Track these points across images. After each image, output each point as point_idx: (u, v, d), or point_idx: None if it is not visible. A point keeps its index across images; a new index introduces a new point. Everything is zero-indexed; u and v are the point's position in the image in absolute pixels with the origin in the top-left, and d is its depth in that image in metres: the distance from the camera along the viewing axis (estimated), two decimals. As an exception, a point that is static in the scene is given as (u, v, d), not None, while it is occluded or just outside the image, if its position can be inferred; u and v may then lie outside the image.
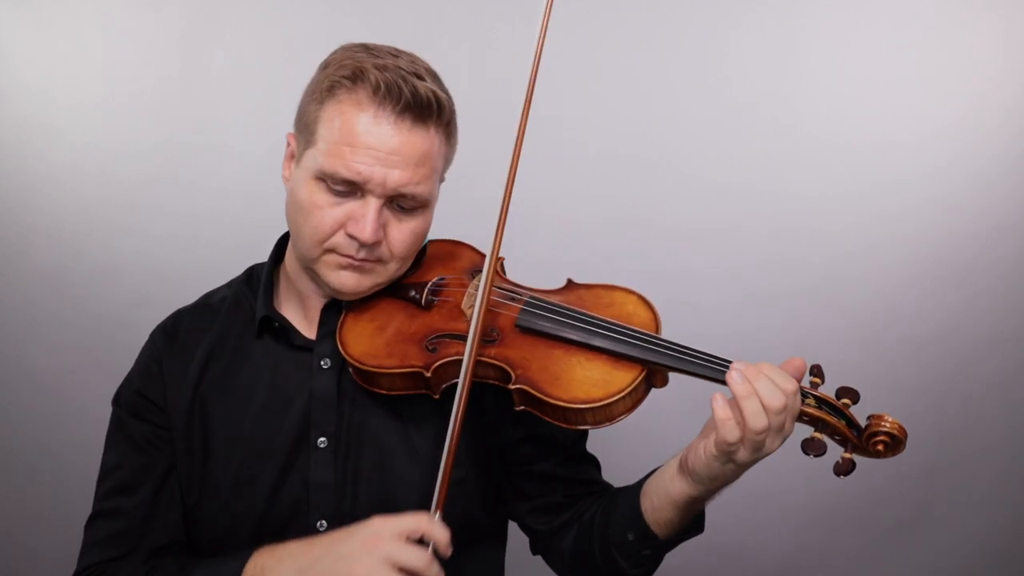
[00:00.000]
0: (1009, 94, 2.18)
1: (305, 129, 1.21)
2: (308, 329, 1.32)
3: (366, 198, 1.17)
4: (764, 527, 2.26)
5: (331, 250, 1.21)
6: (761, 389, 1.04)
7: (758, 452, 1.06)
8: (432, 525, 1.06)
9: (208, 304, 1.38)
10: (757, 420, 1.03)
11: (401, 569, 1.03)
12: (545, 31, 1.18)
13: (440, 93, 1.19)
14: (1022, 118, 2.19)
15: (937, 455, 2.26)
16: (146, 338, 1.38)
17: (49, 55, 2.08)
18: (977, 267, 2.21)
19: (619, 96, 2.18)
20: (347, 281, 1.22)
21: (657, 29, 2.17)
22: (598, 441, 1.40)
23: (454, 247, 1.37)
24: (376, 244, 1.19)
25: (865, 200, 2.19)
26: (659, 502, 1.17)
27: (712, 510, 2.34)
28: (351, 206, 1.18)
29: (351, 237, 1.18)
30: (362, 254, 1.20)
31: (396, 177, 1.16)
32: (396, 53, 1.23)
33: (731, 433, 1.04)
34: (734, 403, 1.06)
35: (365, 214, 1.17)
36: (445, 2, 2.13)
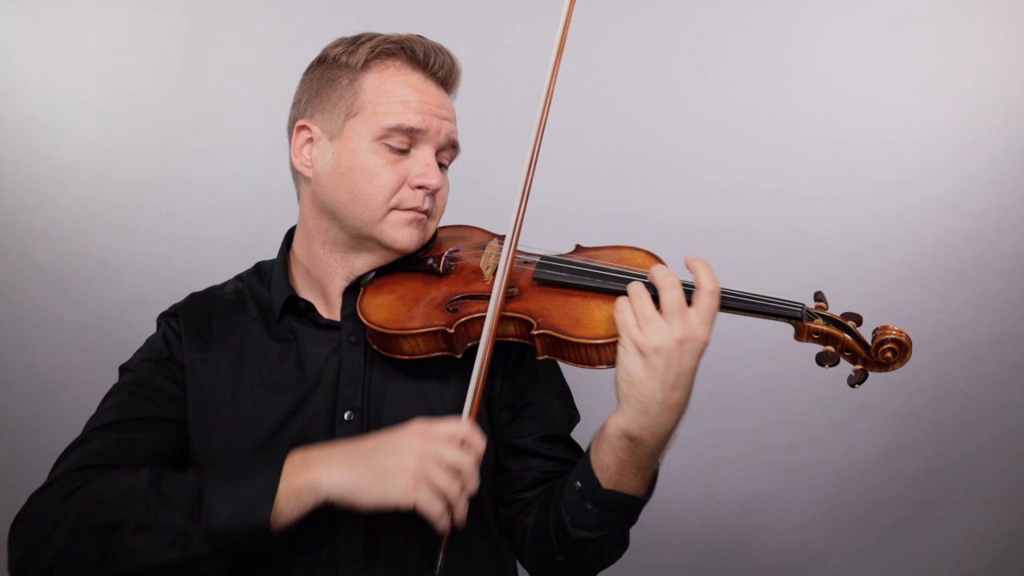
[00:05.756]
0: (1009, 94, 2.18)
1: (337, 106, 1.28)
2: (328, 312, 1.34)
3: (421, 149, 1.28)
4: (764, 527, 2.26)
5: (395, 208, 1.27)
6: (653, 269, 1.14)
7: (657, 333, 1.08)
8: (472, 431, 1.10)
9: (221, 292, 1.40)
10: (634, 286, 1.12)
11: (448, 467, 1.06)
12: (563, 45, 1.25)
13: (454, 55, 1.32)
14: (1022, 118, 2.19)
15: (937, 455, 2.26)
16: (145, 338, 1.38)
17: (49, 55, 2.08)
18: (977, 267, 2.21)
19: (619, 96, 2.18)
20: (413, 236, 1.29)
21: (657, 29, 2.17)
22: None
23: (462, 229, 1.44)
24: (437, 190, 1.29)
25: (865, 200, 2.19)
26: (598, 443, 1.17)
27: (713, 510, 2.34)
28: (406, 163, 1.27)
29: (418, 187, 1.27)
30: (427, 204, 1.29)
31: (448, 127, 1.29)
32: (392, 34, 1.33)
33: (620, 303, 1.11)
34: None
35: (427, 162, 1.28)
36: (445, 2, 2.13)
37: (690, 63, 2.19)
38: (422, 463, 1.06)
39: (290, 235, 1.41)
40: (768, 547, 2.28)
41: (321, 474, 1.07)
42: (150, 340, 1.36)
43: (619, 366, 1.11)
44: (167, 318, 1.37)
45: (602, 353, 1.15)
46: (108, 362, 1.89)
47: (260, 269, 1.42)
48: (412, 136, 1.26)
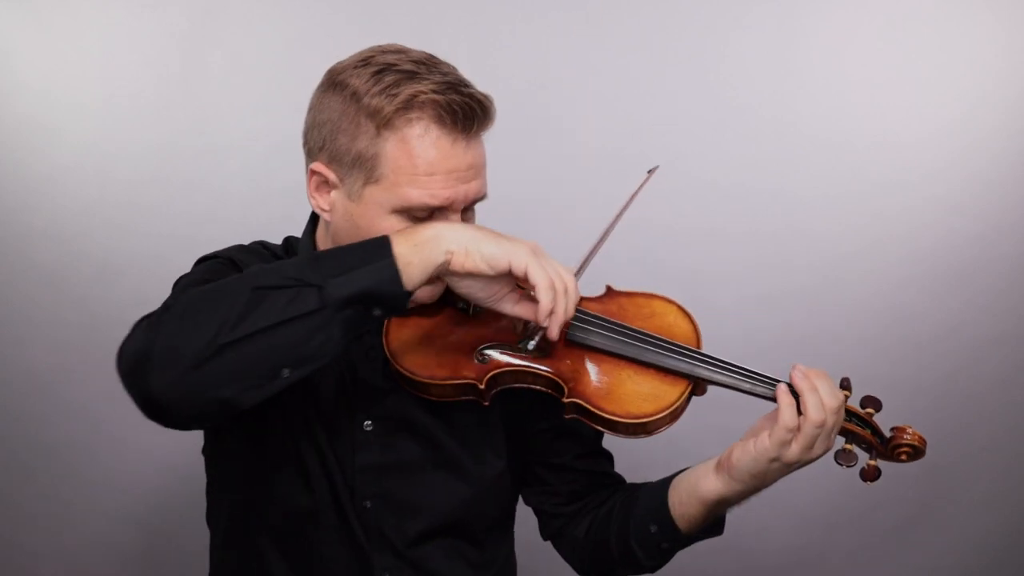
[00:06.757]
0: (1009, 94, 2.18)
1: (356, 165, 1.17)
2: None
3: (446, 214, 1.18)
4: (764, 527, 2.26)
5: None
6: (821, 387, 1.13)
7: (808, 451, 1.13)
8: (574, 277, 1.12)
9: (261, 251, 1.35)
10: (816, 412, 1.11)
11: (555, 268, 1.09)
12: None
13: (488, 95, 1.21)
14: (1022, 118, 2.19)
15: (937, 455, 2.24)
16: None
17: (49, 55, 2.08)
18: (977, 267, 2.21)
19: (619, 96, 2.18)
20: (433, 294, 1.22)
21: (657, 29, 2.17)
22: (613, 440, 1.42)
23: None
24: None
25: (865, 200, 2.19)
26: (687, 498, 1.22)
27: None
28: None
29: None
30: None
31: (474, 188, 1.19)
32: (421, 60, 1.20)
33: (792, 419, 1.11)
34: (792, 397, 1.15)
35: None
36: (445, 2, 2.13)
37: (690, 63, 2.19)
38: (534, 252, 1.08)
39: (314, 219, 1.33)
40: (768, 547, 2.28)
41: (442, 228, 1.07)
42: (208, 267, 1.27)
43: (755, 460, 1.14)
44: (217, 259, 1.29)
45: (628, 428, 1.17)
46: (108, 362, 1.88)
47: (289, 247, 1.37)
48: (435, 211, 1.17)
